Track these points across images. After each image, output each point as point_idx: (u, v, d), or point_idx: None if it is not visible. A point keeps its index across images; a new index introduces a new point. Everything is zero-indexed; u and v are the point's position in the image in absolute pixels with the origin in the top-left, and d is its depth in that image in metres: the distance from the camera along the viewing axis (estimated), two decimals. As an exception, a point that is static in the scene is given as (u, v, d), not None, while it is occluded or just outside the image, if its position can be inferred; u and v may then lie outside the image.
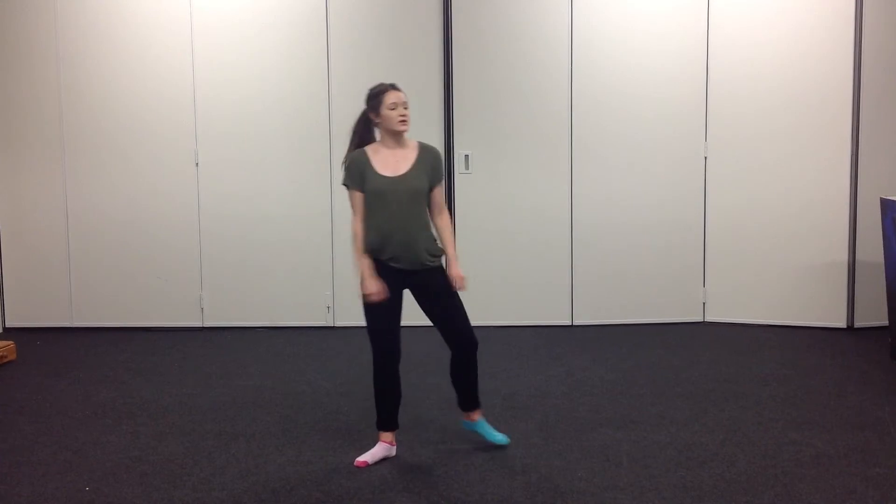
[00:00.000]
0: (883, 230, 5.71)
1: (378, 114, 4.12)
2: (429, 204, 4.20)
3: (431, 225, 4.21)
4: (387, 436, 4.25)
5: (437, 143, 6.61)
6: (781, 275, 6.57)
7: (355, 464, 4.14)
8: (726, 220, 6.63)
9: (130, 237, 6.76)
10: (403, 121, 4.11)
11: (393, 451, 4.25)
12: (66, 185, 6.73)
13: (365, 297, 4.09)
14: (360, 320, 6.62)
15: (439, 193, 4.23)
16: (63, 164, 6.71)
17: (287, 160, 6.67)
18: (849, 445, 4.29)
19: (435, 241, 4.20)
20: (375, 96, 4.14)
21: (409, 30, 6.57)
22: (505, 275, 6.71)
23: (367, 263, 4.11)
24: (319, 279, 6.75)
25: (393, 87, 4.15)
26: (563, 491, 3.85)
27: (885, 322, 5.86)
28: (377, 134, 4.21)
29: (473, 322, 6.62)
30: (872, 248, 6.26)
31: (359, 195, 4.13)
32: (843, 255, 6.46)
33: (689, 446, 4.31)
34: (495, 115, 6.59)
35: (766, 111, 6.47)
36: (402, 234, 4.08)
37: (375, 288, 4.07)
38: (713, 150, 6.59)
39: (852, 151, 6.36)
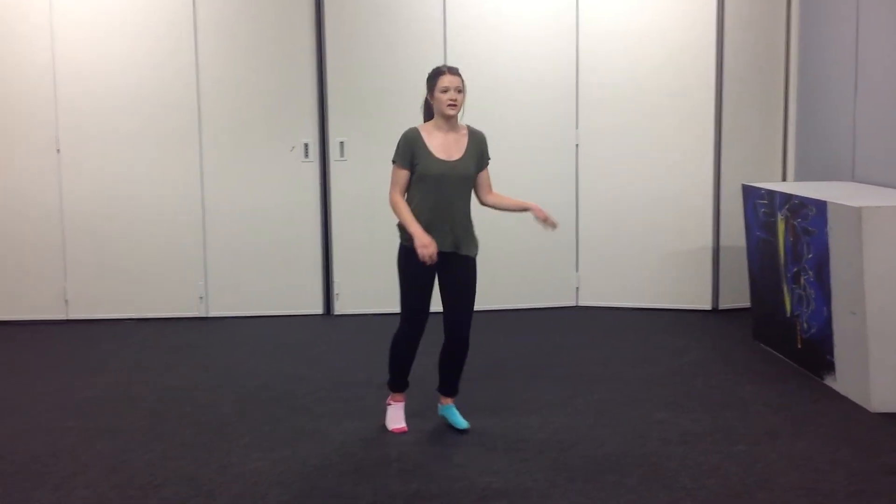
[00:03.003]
0: (744, 215, 5.93)
1: (432, 96, 4.21)
2: (476, 186, 4.29)
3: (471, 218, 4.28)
4: (400, 396, 4.44)
5: (311, 130, 6.53)
6: (650, 259, 6.74)
7: (394, 430, 4.33)
8: (597, 207, 6.77)
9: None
10: (452, 105, 4.16)
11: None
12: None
13: (421, 249, 4.07)
14: (233, 310, 6.60)
15: (487, 175, 4.32)
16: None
17: (155, 146, 6.45)
18: (713, 424, 4.44)
19: (474, 233, 4.30)
20: (431, 79, 4.22)
21: (281, 13, 6.45)
22: (382, 262, 6.65)
23: (416, 224, 4.12)
24: (191, 268, 6.57)
25: (449, 70, 4.20)
26: (439, 477, 3.86)
27: (748, 304, 6.09)
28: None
29: (359, 310, 6.66)
30: (735, 233, 6.49)
31: (404, 173, 4.22)
32: (708, 240, 6.68)
33: (560, 429, 4.38)
34: (370, 101, 6.54)
35: (631, 102, 6.61)
36: (448, 217, 4.16)
37: (428, 240, 4.09)
38: (584, 137, 6.70)
39: (715, 140, 6.57)
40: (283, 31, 6.47)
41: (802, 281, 5.15)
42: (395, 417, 4.40)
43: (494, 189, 4.38)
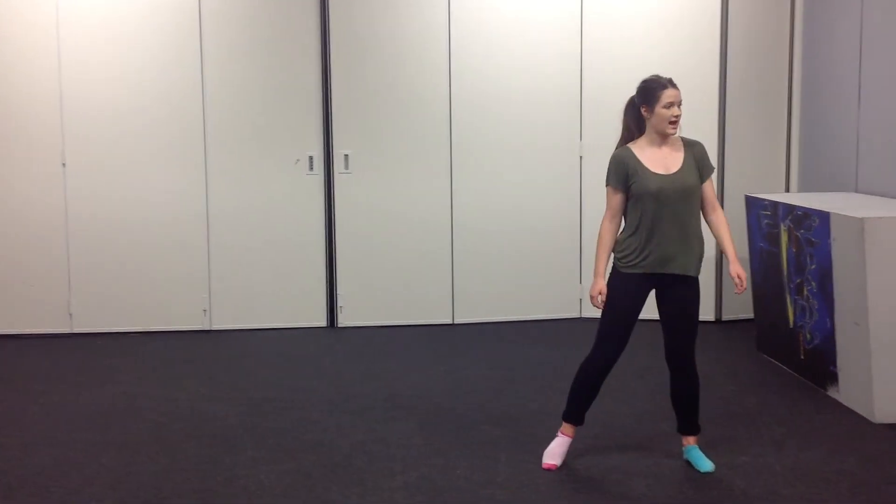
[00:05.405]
0: (747, 226, 5.94)
1: (651, 111, 3.85)
2: (701, 200, 3.97)
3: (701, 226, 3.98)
4: (570, 429, 4.08)
5: (316, 143, 6.55)
6: (654, 271, 6.74)
7: (546, 467, 3.99)
8: (600, 219, 6.75)
9: (-7, 241, 6.47)
10: (675, 122, 3.84)
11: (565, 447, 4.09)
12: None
13: (592, 293, 3.97)
14: (237, 323, 6.61)
15: (710, 188, 3.98)
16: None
17: (159, 161, 6.47)
18: (717, 435, 4.44)
19: (703, 248, 3.98)
20: (651, 91, 3.85)
21: (286, 27, 6.47)
22: (386, 274, 6.68)
23: (602, 264, 3.97)
24: (195, 281, 6.58)
25: (671, 82, 3.85)
26: (442, 489, 3.86)
27: (751, 315, 6.09)
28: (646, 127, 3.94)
29: (354, 322, 6.67)
30: (738, 244, 6.43)
31: (617, 196, 3.93)
32: (711, 251, 6.67)
33: (565, 441, 4.39)
34: (375, 114, 6.56)
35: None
36: (674, 234, 3.86)
37: (597, 290, 3.94)
38: (588, 149, 6.71)
39: (718, 152, 6.58)
40: (287, 44, 6.49)
41: (805, 292, 5.16)
42: (555, 452, 4.05)
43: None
